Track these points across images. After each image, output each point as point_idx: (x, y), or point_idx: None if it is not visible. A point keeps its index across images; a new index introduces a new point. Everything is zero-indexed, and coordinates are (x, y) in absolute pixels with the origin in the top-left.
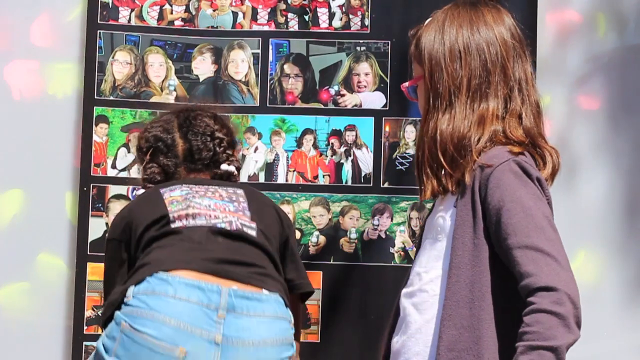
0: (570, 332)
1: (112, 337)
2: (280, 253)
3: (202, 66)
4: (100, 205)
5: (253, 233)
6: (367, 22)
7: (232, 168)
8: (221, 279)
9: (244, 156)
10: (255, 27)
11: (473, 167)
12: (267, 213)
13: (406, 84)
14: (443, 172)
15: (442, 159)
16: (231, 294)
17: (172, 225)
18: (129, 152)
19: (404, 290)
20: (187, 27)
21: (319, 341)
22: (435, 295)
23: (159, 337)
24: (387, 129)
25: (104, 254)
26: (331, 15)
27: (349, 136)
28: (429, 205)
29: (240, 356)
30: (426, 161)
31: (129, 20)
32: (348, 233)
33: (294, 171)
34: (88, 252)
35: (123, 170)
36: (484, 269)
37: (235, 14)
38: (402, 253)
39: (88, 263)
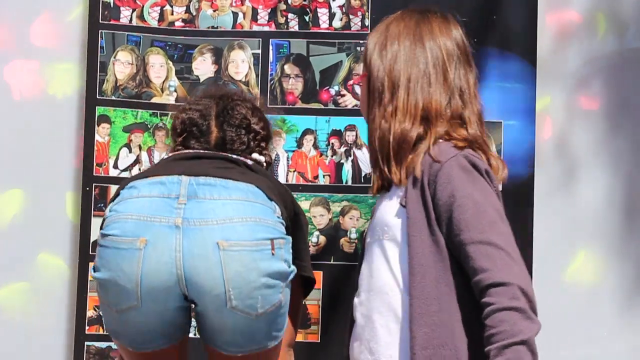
0: (533, 322)
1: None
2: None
3: (203, 67)
4: (102, 205)
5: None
6: (367, 22)
7: (261, 158)
8: (188, 176)
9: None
10: (255, 28)
11: (421, 163)
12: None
13: (351, 82)
14: (387, 168)
15: (386, 155)
16: (192, 183)
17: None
18: (130, 152)
19: (358, 299)
20: (187, 28)
21: (319, 341)
22: (397, 296)
23: (121, 234)
24: None
25: None
26: (331, 16)
27: (349, 136)
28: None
29: (204, 235)
30: (374, 158)
31: (130, 21)
32: (348, 233)
33: (294, 171)
34: (90, 252)
35: (125, 170)
36: (445, 265)
37: (235, 15)
38: None
39: (90, 263)
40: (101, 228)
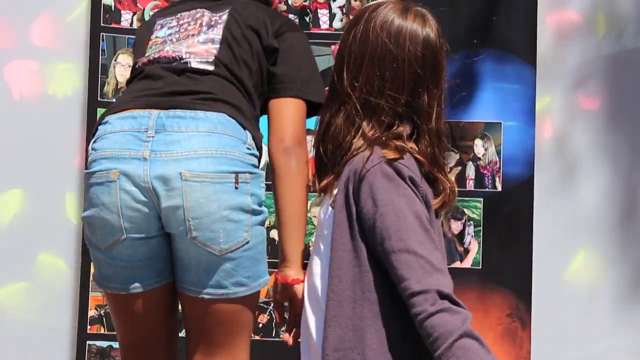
0: (460, 314)
1: None
2: (273, 57)
3: None
4: None
5: (210, 67)
6: None
7: None
8: (158, 109)
9: None
10: None
11: (346, 169)
12: (247, 35)
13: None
14: (325, 171)
15: (324, 157)
16: (161, 116)
17: (137, 66)
18: None
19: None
20: None
21: None
22: (319, 295)
23: (98, 169)
24: None
25: None
26: (332, 16)
27: None
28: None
29: (169, 167)
30: (317, 156)
31: (131, 24)
32: None
33: None
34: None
35: None
36: (364, 269)
37: None
38: None
39: (91, 263)
40: (86, 168)
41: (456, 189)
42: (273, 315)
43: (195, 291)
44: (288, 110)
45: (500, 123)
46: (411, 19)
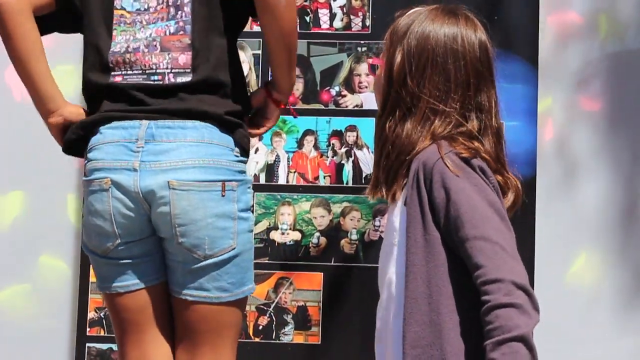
0: (530, 317)
1: None
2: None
3: None
4: None
5: (188, 78)
6: (368, 22)
7: None
8: (147, 119)
9: None
10: (256, 28)
11: (413, 165)
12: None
13: (371, 60)
14: (394, 178)
15: (391, 166)
16: (151, 126)
17: (111, 79)
18: None
19: (379, 304)
20: None
21: (319, 342)
22: (399, 296)
23: (92, 178)
24: None
25: None
26: (332, 16)
27: (350, 137)
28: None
29: (158, 177)
30: (379, 165)
31: None
32: (349, 234)
33: (294, 172)
34: None
35: None
36: (438, 264)
37: None
38: None
39: (91, 265)
40: (84, 176)
41: (521, 189)
42: (273, 318)
43: (179, 292)
44: None
45: (502, 123)
46: (463, 22)
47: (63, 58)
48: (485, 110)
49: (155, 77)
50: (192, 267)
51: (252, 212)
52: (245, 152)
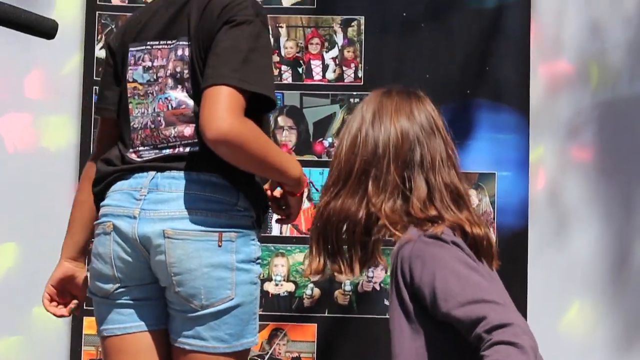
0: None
1: None
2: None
3: None
4: None
5: (197, 148)
6: (360, 73)
7: None
8: (155, 170)
9: None
10: None
11: (392, 259)
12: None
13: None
14: (344, 251)
15: (335, 241)
16: (157, 176)
17: (127, 154)
18: None
19: None
20: None
21: None
22: None
23: (100, 222)
24: None
25: None
26: (325, 68)
27: None
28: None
29: (155, 225)
30: (325, 238)
31: None
32: (342, 285)
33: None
34: (84, 306)
35: None
36: (423, 344)
37: None
38: None
39: (84, 317)
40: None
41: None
42: None
43: (177, 340)
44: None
45: (494, 174)
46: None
47: (56, 109)
48: (426, 167)
49: (168, 151)
50: (190, 316)
51: (260, 265)
52: (255, 205)
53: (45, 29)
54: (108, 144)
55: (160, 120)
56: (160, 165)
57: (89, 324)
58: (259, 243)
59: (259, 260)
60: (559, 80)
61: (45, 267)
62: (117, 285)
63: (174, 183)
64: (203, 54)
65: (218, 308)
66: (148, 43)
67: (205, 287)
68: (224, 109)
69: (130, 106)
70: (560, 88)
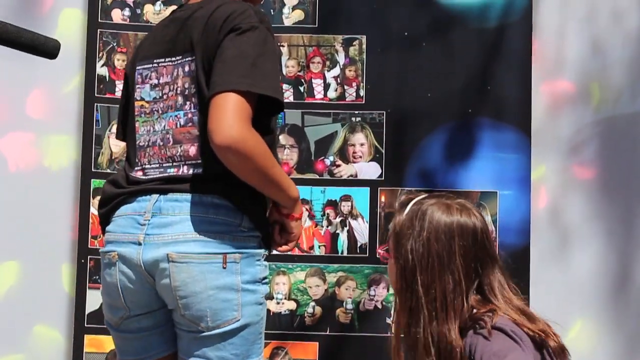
0: None
1: None
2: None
3: None
4: (97, 277)
5: (200, 170)
6: (362, 92)
7: None
8: (157, 193)
9: None
10: None
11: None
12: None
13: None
14: None
15: None
16: (160, 199)
17: (133, 173)
18: None
19: None
20: None
21: None
22: None
23: (104, 251)
24: (383, 199)
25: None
26: (326, 86)
27: (345, 206)
28: None
29: (160, 249)
30: None
31: None
32: (344, 303)
33: None
34: (85, 325)
35: None
36: None
37: None
38: None
39: (85, 335)
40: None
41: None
42: None
43: (183, 358)
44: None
45: (496, 192)
46: (458, 213)
47: (58, 128)
48: (486, 293)
49: (172, 170)
50: (197, 336)
51: (266, 284)
52: (260, 226)
53: (48, 49)
54: None
55: (169, 138)
56: (163, 187)
57: (89, 342)
58: (265, 263)
59: (266, 280)
60: (561, 98)
61: (47, 286)
62: (128, 314)
63: (177, 206)
64: (207, 66)
65: (225, 329)
66: (154, 61)
67: (212, 309)
68: (232, 116)
69: (136, 124)
70: (562, 106)
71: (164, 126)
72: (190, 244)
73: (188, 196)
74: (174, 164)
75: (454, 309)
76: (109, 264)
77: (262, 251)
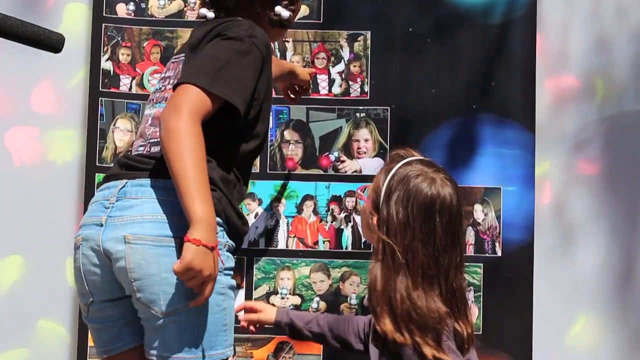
0: None
1: None
2: None
3: None
4: None
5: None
6: (366, 88)
7: (286, 13)
8: (127, 178)
9: None
10: None
11: None
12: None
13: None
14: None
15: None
16: (127, 184)
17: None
18: None
19: None
20: None
21: None
22: None
23: (75, 236)
24: None
25: None
26: (331, 82)
27: (349, 202)
28: None
29: (118, 231)
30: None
31: (130, 88)
32: (348, 299)
33: (294, 237)
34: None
35: None
36: None
37: None
38: None
39: (89, 329)
40: None
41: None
42: None
43: (147, 352)
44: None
45: (500, 188)
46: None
47: (62, 123)
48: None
49: (141, 149)
50: (155, 325)
51: (228, 275)
52: (223, 215)
53: (52, 42)
54: None
55: (150, 123)
56: (131, 173)
57: None
58: (228, 253)
59: (228, 272)
60: (565, 95)
61: (51, 280)
62: (91, 299)
63: (140, 190)
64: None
65: (180, 316)
66: (172, 59)
67: (165, 293)
68: (182, 102)
69: (147, 113)
70: (566, 103)
71: (152, 113)
72: (146, 225)
73: (152, 180)
74: (145, 142)
75: (429, 279)
76: (75, 248)
77: (224, 240)
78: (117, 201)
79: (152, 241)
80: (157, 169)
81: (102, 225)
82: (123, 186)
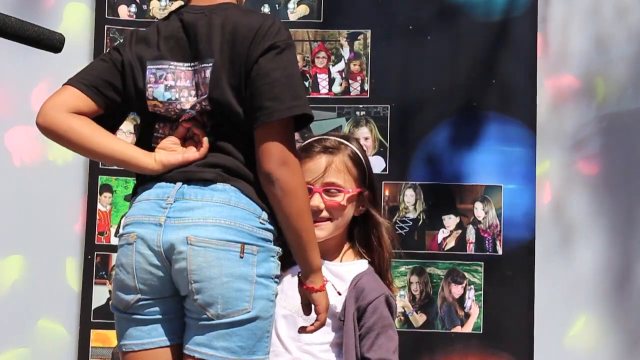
0: None
1: None
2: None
3: None
4: (103, 273)
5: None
6: (366, 87)
7: None
8: (181, 181)
9: None
10: None
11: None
12: (222, 80)
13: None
14: None
15: None
16: (183, 186)
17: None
18: None
19: None
20: None
21: None
22: None
23: (122, 232)
24: (387, 193)
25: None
26: (331, 81)
27: None
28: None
29: (179, 232)
30: None
31: None
32: None
33: None
34: (92, 320)
35: None
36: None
37: None
38: (402, 318)
39: (91, 330)
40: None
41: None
42: None
43: (188, 348)
44: (259, 139)
45: (501, 186)
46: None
47: None
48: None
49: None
50: (204, 324)
51: (277, 283)
52: (273, 224)
53: (52, 42)
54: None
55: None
56: (186, 176)
57: (95, 337)
58: (278, 261)
59: (277, 280)
60: (565, 93)
61: (51, 280)
62: (138, 296)
63: (200, 192)
64: (235, 80)
65: (233, 319)
66: (171, 64)
67: (224, 297)
68: (290, 153)
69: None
70: (566, 102)
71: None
72: (209, 228)
73: (212, 184)
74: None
75: None
76: (127, 243)
77: (277, 248)
78: (175, 202)
79: (215, 244)
80: (216, 174)
81: (160, 226)
82: (180, 187)
